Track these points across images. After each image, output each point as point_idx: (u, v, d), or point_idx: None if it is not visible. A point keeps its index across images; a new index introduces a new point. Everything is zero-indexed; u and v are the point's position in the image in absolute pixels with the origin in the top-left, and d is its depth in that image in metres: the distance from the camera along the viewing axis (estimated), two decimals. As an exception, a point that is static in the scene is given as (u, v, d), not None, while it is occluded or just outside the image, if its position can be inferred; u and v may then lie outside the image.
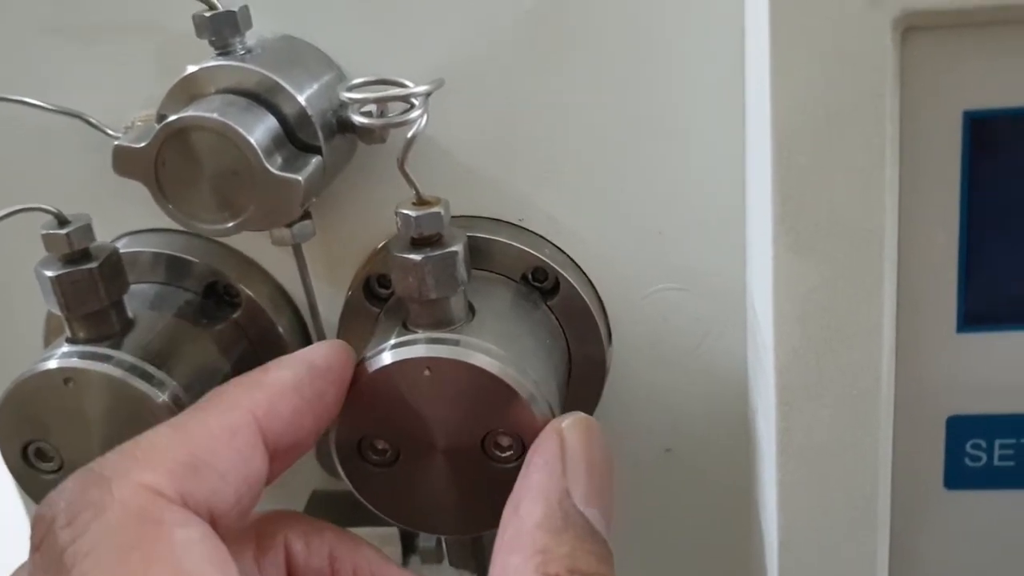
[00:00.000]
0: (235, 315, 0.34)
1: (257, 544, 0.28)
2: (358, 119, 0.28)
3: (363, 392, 0.28)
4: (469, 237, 0.30)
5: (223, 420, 0.25)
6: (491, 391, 0.28)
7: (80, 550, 0.21)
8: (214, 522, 0.23)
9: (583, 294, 0.33)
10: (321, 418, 0.27)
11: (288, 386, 0.26)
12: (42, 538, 0.22)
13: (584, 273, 0.33)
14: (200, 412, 0.25)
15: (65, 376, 0.29)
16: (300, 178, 0.27)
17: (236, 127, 0.27)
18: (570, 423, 0.27)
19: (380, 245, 0.33)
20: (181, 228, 0.33)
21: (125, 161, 0.28)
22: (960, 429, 0.27)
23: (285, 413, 0.26)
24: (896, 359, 0.26)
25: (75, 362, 0.29)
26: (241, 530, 0.28)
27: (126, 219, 0.34)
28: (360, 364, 0.28)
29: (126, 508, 0.22)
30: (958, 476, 0.27)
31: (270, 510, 0.29)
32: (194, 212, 0.28)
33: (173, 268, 0.34)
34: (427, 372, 0.28)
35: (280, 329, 0.34)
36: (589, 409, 0.34)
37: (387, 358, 0.28)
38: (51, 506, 0.23)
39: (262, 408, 0.25)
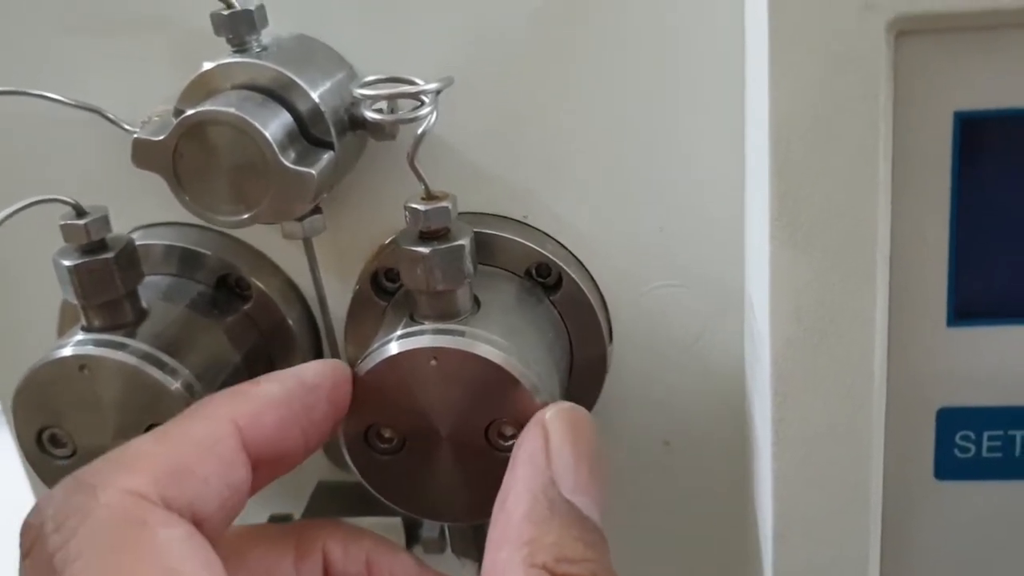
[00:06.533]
0: (246, 307, 0.35)
1: (296, 550, 0.29)
2: (370, 115, 0.28)
3: (371, 381, 0.29)
4: (475, 233, 0.30)
5: (205, 429, 0.26)
6: (495, 381, 0.29)
7: (69, 554, 0.22)
8: (199, 525, 0.24)
9: (585, 289, 0.33)
10: (310, 432, 0.28)
11: (275, 399, 0.27)
12: (31, 544, 0.23)
13: (586, 269, 0.34)
14: (183, 421, 0.26)
15: (80, 363, 0.30)
16: (314, 172, 0.28)
17: (253, 121, 0.27)
18: (553, 414, 0.27)
19: (388, 240, 0.34)
20: (193, 222, 0.34)
21: (144, 153, 0.29)
22: (950, 421, 0.27)
23: (269, 424, 0.26)
24: (888, 352, 0.27)
25: (90, 349, 0.30)
26: (281, 536, 0.29)
27: (140, 213, 0.35)
28: (366, 357, 0.29)
29: (111, 511, 0.23)
30: (948, 467, 0.28)
31: (310, 519, 0.30)
32: (210, 204, 0.29)
33: (185, 261, 0.34)
34: (433, 362, 0.29)
35: (290, 322, 0.35)
36: (590, 403, 0.35)
37: (394, 348, 0.29)
38: (39, 513, 0.23)
39: (245, 419, 0.26)
